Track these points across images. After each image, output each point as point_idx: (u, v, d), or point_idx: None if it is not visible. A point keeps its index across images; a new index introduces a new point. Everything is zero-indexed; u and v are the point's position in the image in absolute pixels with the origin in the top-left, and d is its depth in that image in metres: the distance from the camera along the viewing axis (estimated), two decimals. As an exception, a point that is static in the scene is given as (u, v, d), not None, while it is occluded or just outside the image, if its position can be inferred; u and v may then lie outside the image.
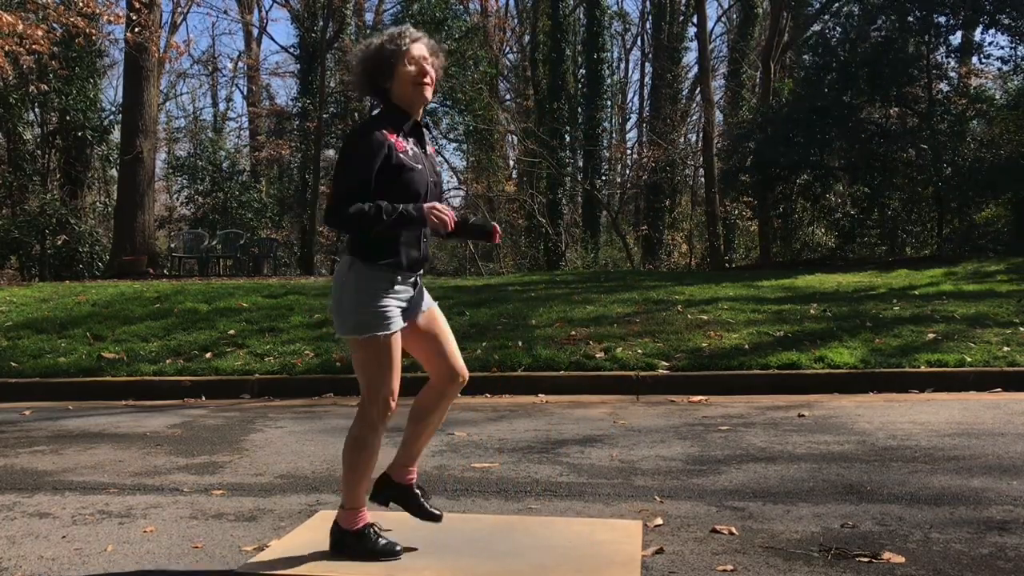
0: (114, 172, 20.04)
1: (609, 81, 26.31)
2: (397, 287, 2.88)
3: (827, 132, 14.54)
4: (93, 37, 15.25)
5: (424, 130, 3.00)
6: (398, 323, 2.88)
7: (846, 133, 14.59)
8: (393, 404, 2.92)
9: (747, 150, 15.64)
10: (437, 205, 2.83)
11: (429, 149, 3.03)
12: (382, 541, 2.97)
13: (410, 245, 2.90)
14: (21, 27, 11.44)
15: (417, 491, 3.16)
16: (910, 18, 14.66)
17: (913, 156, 14.73)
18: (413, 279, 2.95)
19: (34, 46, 11.75)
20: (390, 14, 25.83)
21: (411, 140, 2.92)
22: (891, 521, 3.37)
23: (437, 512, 3.15)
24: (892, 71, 14.29)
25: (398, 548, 2.98)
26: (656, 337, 7.53)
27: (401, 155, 2.84)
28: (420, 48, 2.92)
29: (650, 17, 30.06)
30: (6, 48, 11.59)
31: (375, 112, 2.99)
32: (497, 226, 3.12)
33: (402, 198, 2.82)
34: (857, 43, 14.94)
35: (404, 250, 2.87)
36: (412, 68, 2.88)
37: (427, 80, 2.90)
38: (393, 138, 2.85)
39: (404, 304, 2.92)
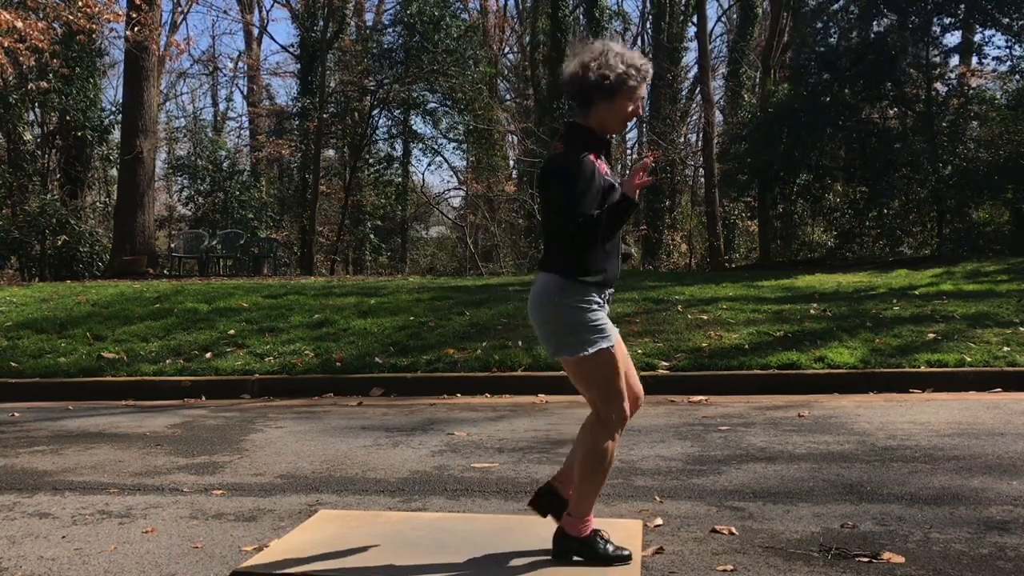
0: (114, 172, 20.05)
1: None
2: (602, 302, 2.88)
3: (823, 132, 14.54)
4: (94, 35, 15.25)
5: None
6: (613, 334, 2.87)
7: (843, 133, 14.58)
8: (628, 410, 2.91)
9: (744, 151, 15.65)
10: (635, 178, 2.75)
11: (611, 165, 3.02)
12: (611, 547, 2.93)
13: (611, 263, 2.88)
14: (20, 24, 11.44)
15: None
16: (909, 18, 14.65)
17: (911, 156, 14.73)
18: (608, 296, 2.95)
19: (34, 42, 11.75)
20: (390, 14, 25.82)
21: (603, 158, 2.90)
22: (891, 521, 3.37)
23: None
24: (889, 71, 14.29)
25: (627, 553, 2.94)
26: (656, 337, 7.53)
27: (605, 176, 2.84)
28: (644, 90, 2.90)
29: (650, 17, 30.05)
30: (6, 44, 11.58)
31: (571, 132, 2.89)
32: (633, 253, 3.15)
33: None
34: (854, 42, 14.94)
35: (608, 267, 2.87)
36: (631, 108, 2.87)
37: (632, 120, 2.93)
38: (595, 160, 2.84)
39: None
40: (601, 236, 2.77)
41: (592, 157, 2.81)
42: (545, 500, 3.08)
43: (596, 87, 2.81)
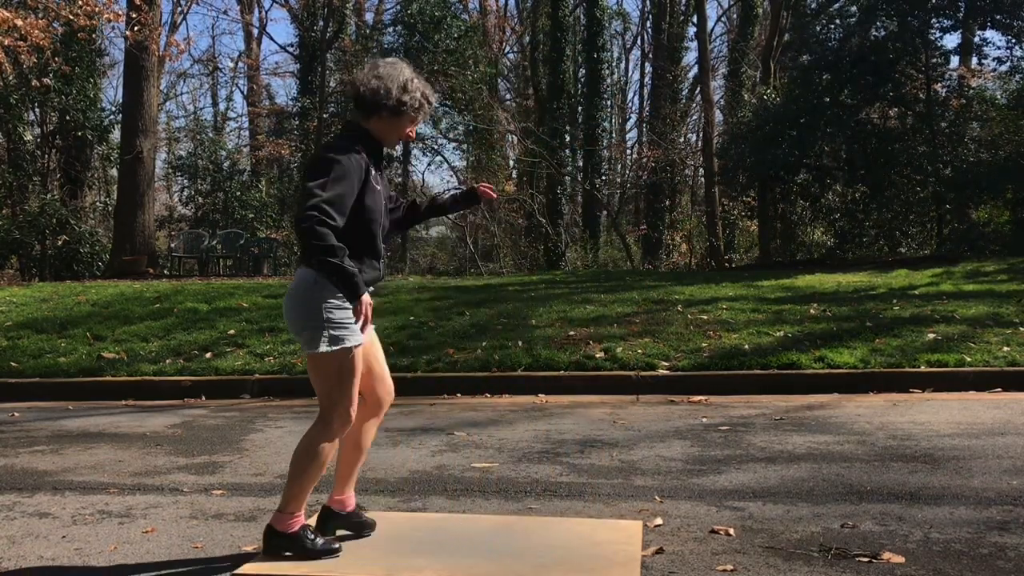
0: (114, 172, 20.04)
1: (609, 81, 26.28)
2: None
3: (824, 132, 14.53)
4: (94, 34, 15.24)
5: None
6: (359, 336, 2.95)
7: (842, 133, 14.57)
8: (354, 414, 3.00)
9: (742, 150, 15.64)
10: (370, 306, 2.88)
11: (383, 172, 3.15)
12: (320, 541, 3.02)
13: (372, 265, 3.01)
14: (20, 23, 11.43)
15: (361, 510, 3.26)
16: (909, 18, 14.64)
17: (911, 156, 14.72)
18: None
19: (35, 40, 11.74)
20: (390, 14, 25.83)
21: (372, 159, 3.01)
22: (891, 521, 3.37)
23: (371, 519, 3.26)
24: (888, 72, 14.28)
25: (337, 546, 3.04)
26: (656, 337, 7.53)
27: (369, 177, 2.96)
28: (421, 119, 3.12)
29: (650, 17, 30.06)
30: (6, 43, 11.58)
31: (350, 128, 3.06)
32: (483, 187, 3.33)
33: (361, 217, 2.93)
34: (854, 44, 14.93)
35: (366, 269, 2.96)
36: (410, 131, 3.09)
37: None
38: (367, 162, 2.97)
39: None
40: (314, 248, 2.79)
41: (363, 156, 2.94)
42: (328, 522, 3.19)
43: (388, 106, 2.98)
